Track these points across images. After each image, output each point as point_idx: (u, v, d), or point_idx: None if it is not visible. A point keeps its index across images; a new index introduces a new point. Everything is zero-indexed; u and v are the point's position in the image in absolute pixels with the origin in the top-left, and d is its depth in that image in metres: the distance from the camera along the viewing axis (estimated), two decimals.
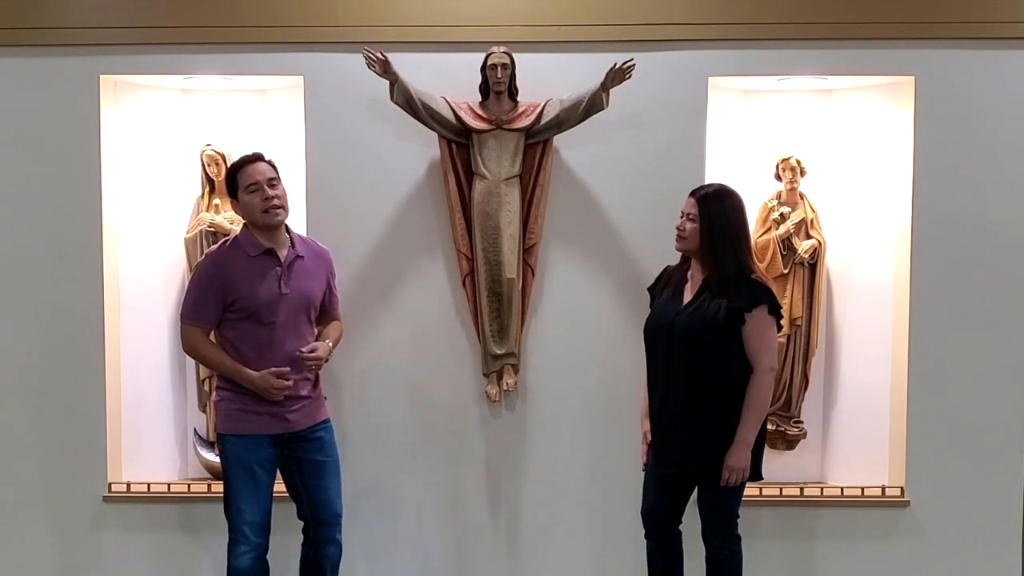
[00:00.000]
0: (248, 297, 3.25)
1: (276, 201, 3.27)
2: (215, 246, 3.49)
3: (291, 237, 3.39)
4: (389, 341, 3.89)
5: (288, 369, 3.26)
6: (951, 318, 3.87)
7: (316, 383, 3.43)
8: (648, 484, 3.40)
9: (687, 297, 3.28)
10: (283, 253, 3.33)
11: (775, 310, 3.21)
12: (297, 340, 3.31)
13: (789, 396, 4.01)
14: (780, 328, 3.30)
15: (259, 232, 3.31)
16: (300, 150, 3.87)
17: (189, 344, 3.37)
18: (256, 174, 3.28)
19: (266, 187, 3.26)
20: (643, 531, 3.43)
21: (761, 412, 3.20)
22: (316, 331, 3.46)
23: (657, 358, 3.29)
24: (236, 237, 3.37)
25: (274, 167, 3.36)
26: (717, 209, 3.21)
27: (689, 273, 3.34)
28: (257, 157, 3.35)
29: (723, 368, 3.19)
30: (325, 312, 3.49)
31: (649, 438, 3.36)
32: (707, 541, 3.33)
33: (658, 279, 3.46)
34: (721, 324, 3.16)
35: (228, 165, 3.95)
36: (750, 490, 3.89)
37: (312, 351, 3.31)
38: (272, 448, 3.32)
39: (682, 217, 3.28)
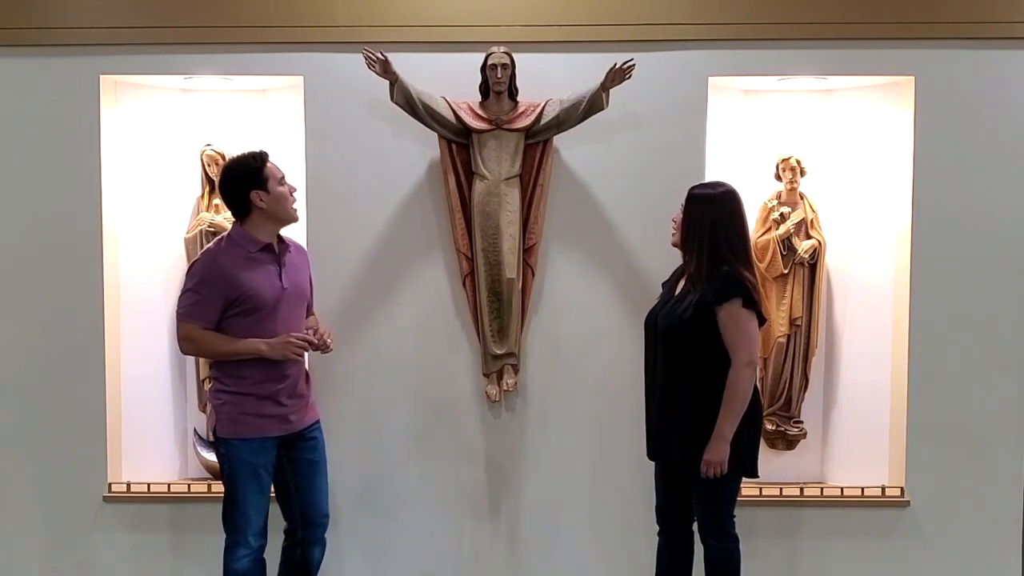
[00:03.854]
0: (254, 295, 3.20)
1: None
2: (211, 244, 3.41)
3: (279, 233, 3.36)
4: (389, 341, 3.89)
5: (310, 333, 3.27)
6: (951, 318, 3.87)
7: (308, 380, 3.43)
8: (656, 480, 3.44)
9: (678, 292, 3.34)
10: (277, 249, 3.31)
11: (750, 303, 3.18)
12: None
13: (789, 396, 4.01)
14: (763, 321, 3.26)
15: (269, 226, 3.27)
16: (300, 150, 3.87)
17: (187, 339, 3.26)
18: (278, 170, 3.29)
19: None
20: (649, 529, 3.43)
21: (738, 406, 3.15)
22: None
23: (647, 353, 3.36)
24: (230, 235, 3.30)
25: None
26: (698, 208, 3.26)
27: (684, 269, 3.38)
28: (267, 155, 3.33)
29: (696, 362, 3.20)
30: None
31: None
32: (703, 540, 3.33)
33: (672, 274, 3.48)
34: (691, 318, 3.18)
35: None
36: (750, 490, 3.91)
37: (319, 333, 3.31)
38: (275, 450, 3.31)
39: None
